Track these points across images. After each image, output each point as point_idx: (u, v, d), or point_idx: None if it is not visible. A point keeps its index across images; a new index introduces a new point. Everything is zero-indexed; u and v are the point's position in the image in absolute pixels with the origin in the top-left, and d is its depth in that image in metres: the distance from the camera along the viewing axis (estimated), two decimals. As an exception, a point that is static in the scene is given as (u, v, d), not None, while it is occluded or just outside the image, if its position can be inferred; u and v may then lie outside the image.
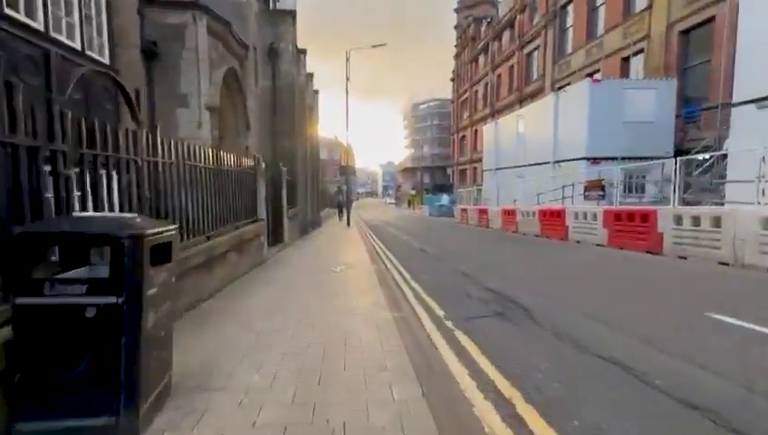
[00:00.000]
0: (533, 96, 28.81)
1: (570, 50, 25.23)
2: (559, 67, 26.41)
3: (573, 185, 13.49)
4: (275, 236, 10.28)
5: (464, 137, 48.13)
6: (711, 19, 15.41)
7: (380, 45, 22.67)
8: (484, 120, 40.17)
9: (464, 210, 24.62)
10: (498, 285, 6.50)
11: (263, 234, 8.08)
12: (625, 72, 19.66)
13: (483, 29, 42.69)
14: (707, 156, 10.14)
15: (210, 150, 5.65)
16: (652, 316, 4.68)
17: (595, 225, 11.58)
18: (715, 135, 12.73)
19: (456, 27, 51.56)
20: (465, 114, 47.08)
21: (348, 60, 22.62)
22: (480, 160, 40.35)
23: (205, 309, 4.83)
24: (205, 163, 5.33)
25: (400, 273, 7.96)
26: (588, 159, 13.98)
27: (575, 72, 24.06)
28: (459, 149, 49.47)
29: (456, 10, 52.28)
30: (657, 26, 17.92)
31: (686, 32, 16.80)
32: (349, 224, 22.74)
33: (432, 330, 4.31)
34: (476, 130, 42.93)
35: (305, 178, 16.69)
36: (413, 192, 77.16)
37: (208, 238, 5.24)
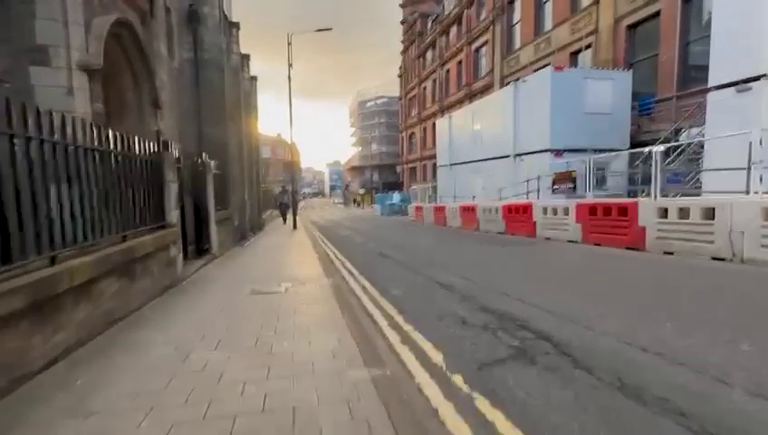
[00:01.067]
0: (482, 92, 28.59)
1: (518, 45, 25.19)
2: (507, 63, 26.31)
3: (539, 178, 12.73)
4: (199, 246, 8.03)
5: (413, 134, 47.48)
6: (657, 14, 15.61)
7: (325, 30, 20.72)
8: (433, 116, 39.68)
9: (418, 208, 23.47)
10: (492, 301, 5.05)
11: (174, 244, 5.91)
12: (574, 66, 19.66)
13: (429, 25, 42.23)
14: (681, 144, 9.70)
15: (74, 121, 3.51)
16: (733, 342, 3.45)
17: (567, 220, 10.77)
18: (671, 127, 12.64)
19: (402, 23, 50.76)
20: (414, 111, 46.42)
21: (289, 44, 20.36)
22: (431, 157, 39.87)
23: (25, 397, 2.72)
24: (65, 140, 3.22)
25: (364, 288, 6.24)
26: (551, 150, 13.33)
27: (524, 66, 23.99)
28: (408, 146, 48.76)
29: (402, 5, 51.50)
30: (605, 21, 18.03)
31: (633, 26, 16.99)
32: (295, 226, 20.49)
33: (439, 401, 2.65)
34: (425, 128, 42.41)
35: (242, 174, 14.29)
36: (362, 191, 75.65)
37: (53, 261, 3.11)
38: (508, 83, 23.64)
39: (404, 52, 49.45)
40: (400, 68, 51.25)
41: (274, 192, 46.02)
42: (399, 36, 50.77)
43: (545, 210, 11.62)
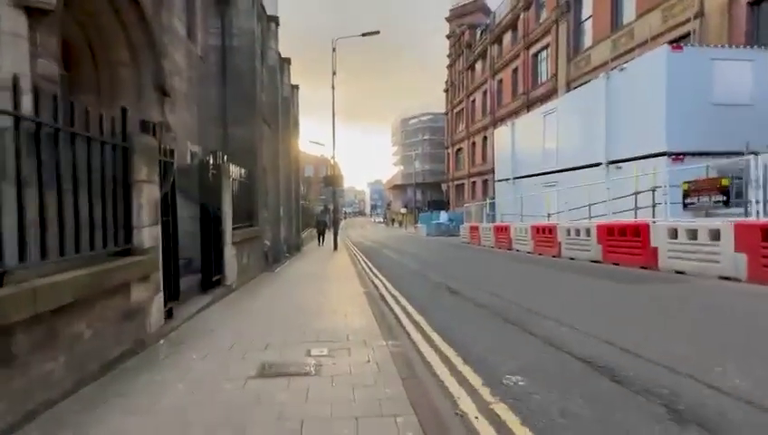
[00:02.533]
0: (543, 99, 25.50)
1: (588, 43, 22.07)
2: (575, 65, 23.19)
3: (655, 190, 9.55)
4: (207, 279, 5.87)
5: (460, 150, 44.78)
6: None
7: (373, 33, 19.01)
8: (483, 129, 36.89)
9: (474, 229, 20.55)
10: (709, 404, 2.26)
11: (144, 282, 3.69)
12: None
13: (478, 35, 40.05)
14: None
15: None
16: None
17: (716, 246, 7.50)
18: None
19: (448, 36, 49.11)
20: (461, 126, 43.86)
21: (334, 50, 18.86)
22: (482, 174, 36.85)
23: None
24: None
25: (449, 364, 3.64)
26: (669, 154, 10.13)
27: (597, 67, 20.75)
28: (455, 163, 46.02)
29: (448, 19, 50.02)
30: (714, 1, 14.66)
31: (756, 2, 13.51)
32: (336, 247, 18.34)
33: None
34: (474, 142, 39.63)
35: (277, 187, 12.40)
36: (404, 210, 73.31)
37: None
38: (576, 87, 20.55)
39: (450, 66, 47.50)
40: (446, 82, 49.25)
41: (315, 211, 45.03)
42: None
43: (674, 232, 8.40)
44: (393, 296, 7.16)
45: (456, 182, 45.23)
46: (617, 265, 9.75)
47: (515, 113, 30.15)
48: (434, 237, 29.95)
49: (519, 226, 15.32)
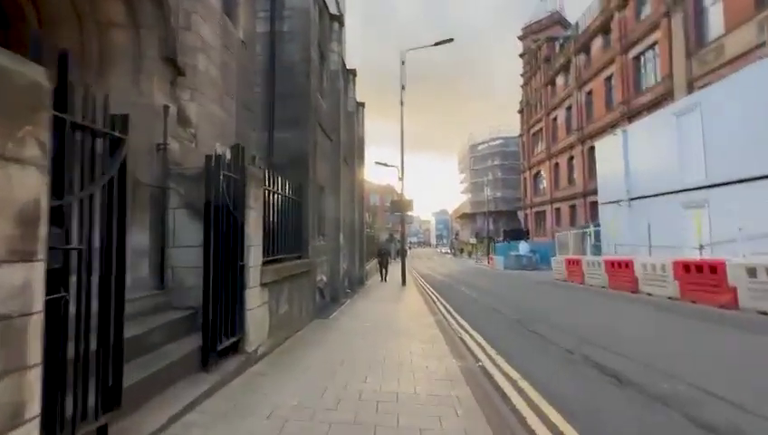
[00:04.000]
0: (650, 107, 21.08)
1: (719, 32, 17.67)
2: (699, 60, 18.73)
3: None
4: (212, 344, 3.61)
5: (538, 173, 40.33)
6: None
7: (446, 42, 17.00)
8: (569, 149, 32.51)
9: (573, 263, 16.57)
10: None
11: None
12: None
13: (558, 48, 36.49)
14: None
15: None
16: None
17: None
18: None
19: (522, 55, 46.06)
20: (540, 147, 39.63)
21: (403, 63, 17.14)
22: (567, 199, 32.03)
23: None
24: None
25: None
26: None
27: (733, 59, 16.29)
28: (533, 187, 41.48)
29: (521, 37, 47.15)
30: None
31: None
32: (404, 282, 15.73)
33: None
34: (558, 163, 35.16)
35: (338, 210, 10.34)
36: (473, 240, 68.66)
37: None
38: (703, 87, 16.18)
39: (525, 84, 44.07)
40: (520, 103, 45.71)
41: (380, 239, 43.21)
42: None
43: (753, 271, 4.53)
44: (509, 379, 4.28)
45: (535, 209, 40.50)
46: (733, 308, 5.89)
47: (612, 126, 25.70)
48: (514, 271, 25.92)
49: (645, 261, 11.38)
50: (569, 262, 17.20)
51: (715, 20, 17.96)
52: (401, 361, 4.58)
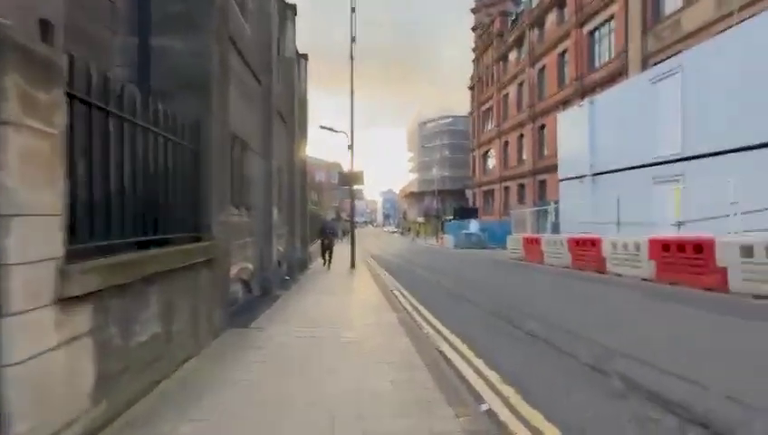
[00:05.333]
0: (604, 84, 20.79)
1: (676, 6, 17.32)
2: (655, 35, 18.41)
3: None
4: None
5: (488, 152, 40.07)
6: None
7: None
8: (519, 126, 32.16)
9: (531, 242, 15.72)
10: None
11: None
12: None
13: (510, 23, 35.64)
14: None
15: None
16: None
17: None
18: None
19: (474, 29, 44.88)
20: (490, 124, 39.21)
21: (353, 10, 14.58)
22: (517, 177, 31.75)
23: None
24: None
25: None
26: None
27: (691, 34, 16.01)
28: (482, 166, 41.26)
29: (474, 10, 45.87)
30: None
31: None
32: (353, 264, 13.73)
33: None
34: (508, 141, 34.88)
35: (269, 178, 7.88)
36: (421, 219, 68.51)
37: None
38: (658, 63, 15.78)
39: (477, 60, 43.11)
40: (471, 78, 44.83)
41: (326, 218, 40.60)
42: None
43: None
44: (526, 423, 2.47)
45: (483, 188, 40.40)
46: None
47: (564, 103, 25.42)
48: (465, 251, 25.15)
49: (619, 239, 10.50)
50: (527, 240, 16.36)
51: (673, -6, 17.63)
52: (366, 431, 2.54)
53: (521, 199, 31.92)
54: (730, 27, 11.90)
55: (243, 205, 6.58)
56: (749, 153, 8.23)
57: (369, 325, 5.36)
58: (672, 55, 14.97)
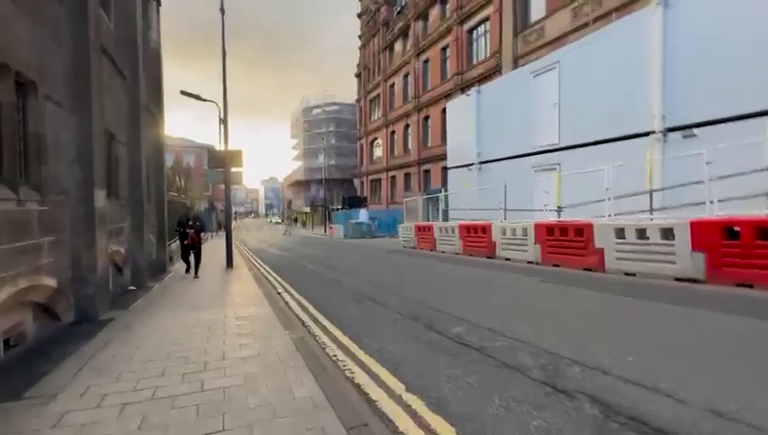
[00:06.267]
0: (482, 80, 22.27)
1: (542, 14, 19.25)
2: (524, 39, 20.25)
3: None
4: None
5: (375, 140, 40.13)
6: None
7: None
8: (405, 117, 32.78)
9: (423, 230, 15.69)
10: None
11: None
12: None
13: (396, 13, 35.90)
14: None
15: None
16: None
17: None
18: None
19: (360, 15, 44.06)
20: (377, 114, 39.25)
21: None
22: (403, 166, 32.29)
23: None
24: None
25: None
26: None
27: (552, 41, 17.98)
28: (369, 155, 41.21)
29: (359, -5, 44.96)
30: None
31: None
32: (230, 264, 11.40)
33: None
34: (394, 131, 35.36)
35: (90, 144, 5.27)
36: (307, 209, 65.82)
37: None
38: (526, 64, 17.42)
39: (363, 47, 42.53)
40: (358, 66, 44.14)
41: (197, 209, 35.07)
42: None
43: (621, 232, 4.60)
44: None
45: (371, 177, 40.45)
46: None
47: (446, 96, 26.59)
48: (355, 241, 24.43)
49: (508, 225, 10.85)
50: (419, 229, 16.28)
51: (538, 2, 19.58)
52: None
53: (407, 188, 32.77)
54: (584, 36, 13.50)
55: (26, 183, 4.06)
56: (616, 144, 9.18)
57: (253, 360, 3.71)
58: (536, 58, 16.53)
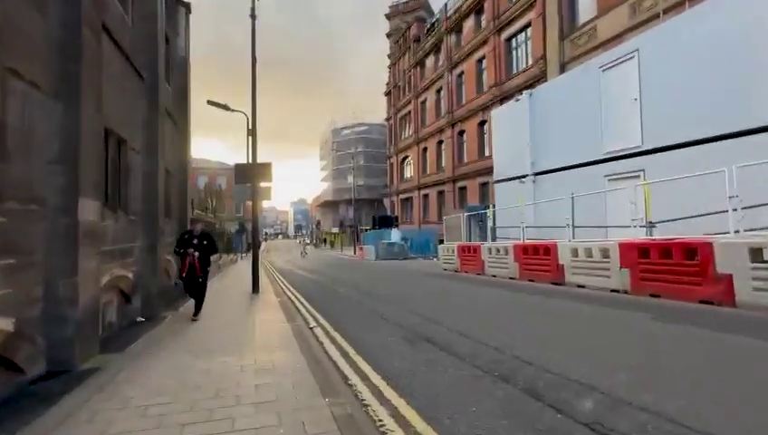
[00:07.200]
0: (523, 89, 20.68)
1: (592, 14, 17.66)
2: (573, 42, 18.65)
3: None
4: None
5: (406, 159, 39.01)
6: None
7: None
8: (438, 132, 31.50)
9: (468, 250, 13.96)
10: None
11: None
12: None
13: (427, 29, 35.33)
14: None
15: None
16: None
17: None
18: None
19: (389, 35, 44.08)
20: (408, 131, 38.28)
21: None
22: (437, 184, 30.55)
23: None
24: None
25: None
26: None
27: (607, 41, 16.28)
28: (400, 174, 40.04)
29: (389, 15, 45.19)
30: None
31: None
32: (256, 289, 10.13)
33: None
34: (426, 148, 34.11)
35: (77, 141, 4.14)
36: (335, 230, 65.12)
37: None
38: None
39: (393, 66, 42.21)
40: (387, 85, 43.78)
41: (228, 231, 34.77)
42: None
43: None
44: None
45: (402, 196, 39.13)
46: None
47: (483, 110, 25.14)
48: (387, 262, 22.85)
49: (579, 244, 8.98)
50: (463, 249, 14.54)
51: (587, 2, 18.04)
52: None
53: (440, 207, 31.12)
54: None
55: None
56: (725, 143, 7.30)
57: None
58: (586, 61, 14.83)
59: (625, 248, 8.07)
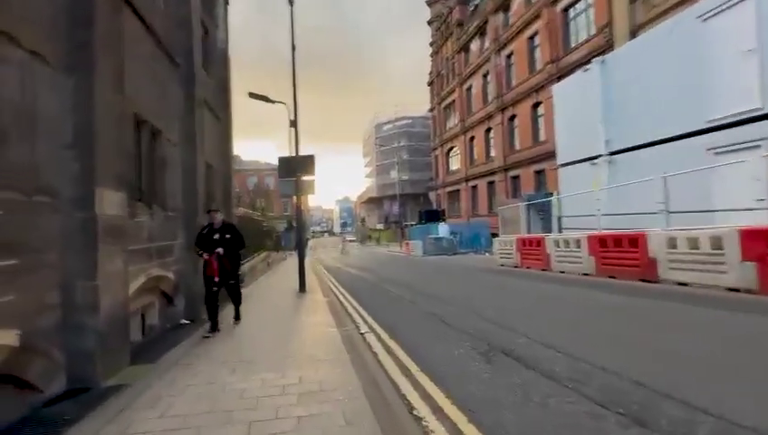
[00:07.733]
0: (585, 63, 18.49)
1: (670, -32, 15.19)
2: (645, 3, 16.26)
3: None
4: None
5: (451, 150, 37.39)
6: None
7: None
8: (487, 119, 29.61)
9: (530, 243, 12.52)
10: None
11: None
12: None
13: (470, 12, 33.40)
14: None
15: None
16: None
17: None
18: None
19: (430, 22, 42.53)
20: (453, 120, 36.61)
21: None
22: (485, 174, 28.71)
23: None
24: None
25: None
26: None
27: (682, 1, 13.86)
28: (446, 166, 38.49)
29: (429, 2, 43.57)
30: None
31: None
32: (303, 288, 9.56)
33: None
34: (474, 137, 32.32)
35: (108, 125, 3.62)
36: (380, 226, 64.81)
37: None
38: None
39: (435, 54, 40.61)
40: (430, 74, 42.29)
41: (278, 230, 35.46)
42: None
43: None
44: None
45: (448, 189, 37.59)
46: None
47: (537, 91, 23.05)
48: (435, 258, 21.71)
49: (679, 234, 7.36)
50: (523, 242, 13.11)
51: (664, -44, 15.53)
52: None
53: (491, 198, 29.31)
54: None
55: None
56: None
57: None
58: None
59: (749, 236, 6.41)
